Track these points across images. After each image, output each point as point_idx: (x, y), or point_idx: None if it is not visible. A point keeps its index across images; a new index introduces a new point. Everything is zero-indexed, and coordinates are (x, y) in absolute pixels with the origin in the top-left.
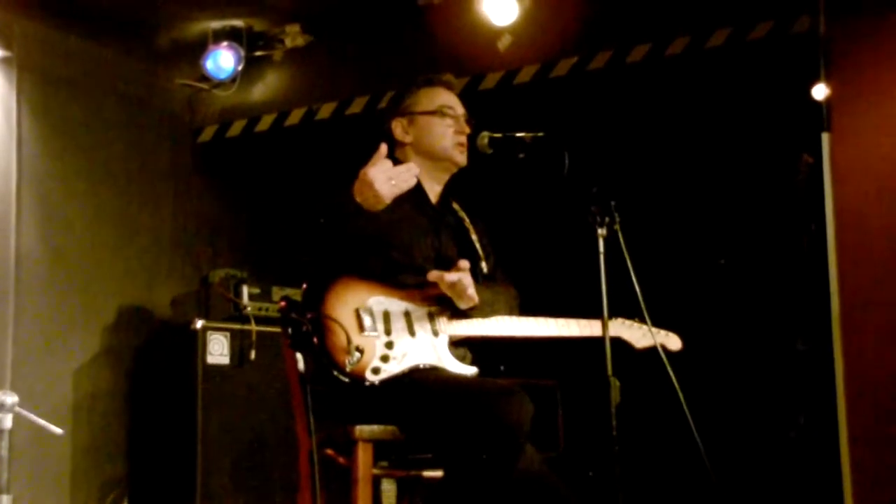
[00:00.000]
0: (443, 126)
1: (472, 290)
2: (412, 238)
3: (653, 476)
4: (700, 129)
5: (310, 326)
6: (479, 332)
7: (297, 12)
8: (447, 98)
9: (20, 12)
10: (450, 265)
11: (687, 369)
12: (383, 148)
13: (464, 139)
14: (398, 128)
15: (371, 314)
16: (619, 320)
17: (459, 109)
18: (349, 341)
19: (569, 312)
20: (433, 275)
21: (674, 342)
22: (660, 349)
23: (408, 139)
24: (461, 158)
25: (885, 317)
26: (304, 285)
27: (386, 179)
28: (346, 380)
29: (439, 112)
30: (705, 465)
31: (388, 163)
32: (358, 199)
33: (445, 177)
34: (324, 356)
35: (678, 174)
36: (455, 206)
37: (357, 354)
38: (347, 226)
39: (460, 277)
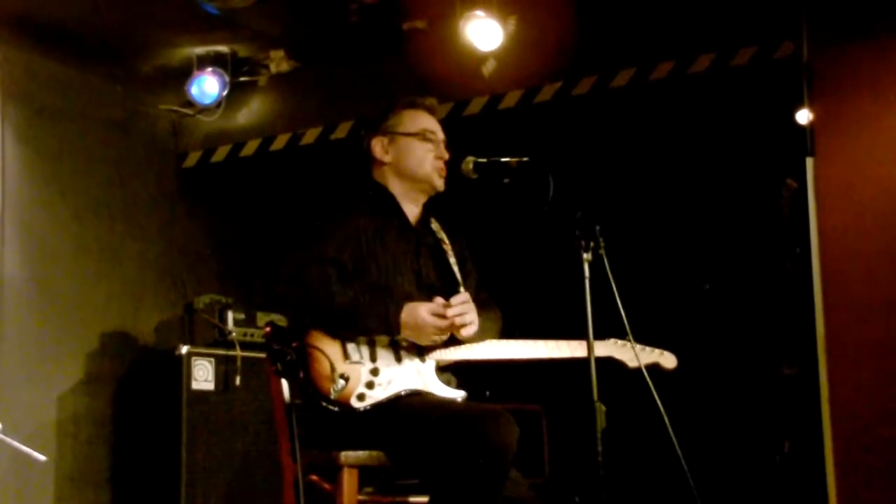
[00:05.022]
0: (424, 150)
1: (473, 328)
2: (394, 263)
3: (639, 502)
4: (684, 154)
5: (294, 356)
6: (468, 356)
7: (282, 38)
8: (429, 122)
9: (4, 39)
10: (431, 289)
11: (673, 394)
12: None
13: (442, 164)
14: (378, 146)
15: (356, 342)
16: (612, 340)
17: (440, 135)
18: (333, 369)
19: (557, 337)
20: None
21: (669, 360)
22: (644, 371)
23: (387, 158)
24: (440, 183)
25: (870, 340)
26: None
27: (429, 335)
28: (332, 407)
29: (421, 135)
30: (691, 490)
31: (444, 325)
32: (399, 320)
33: (423, 198)
34: (308, 385)
35: (663, 199)
36: (434, 225)
37: (342, 382)
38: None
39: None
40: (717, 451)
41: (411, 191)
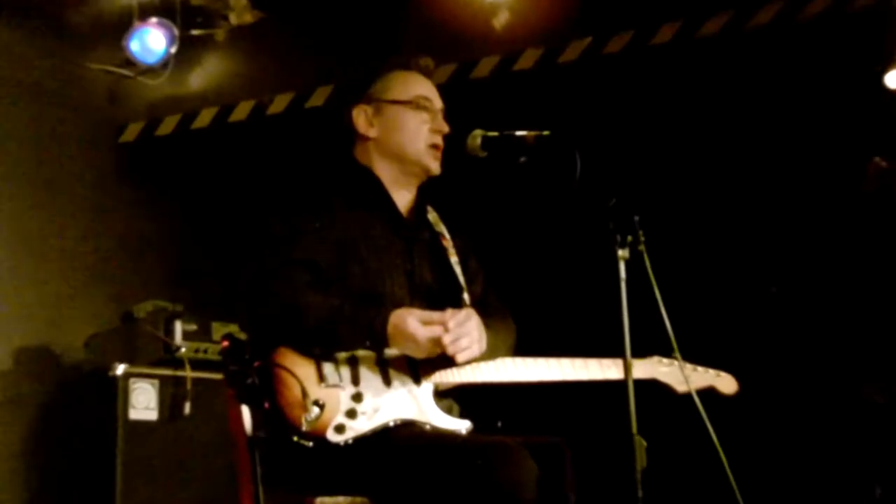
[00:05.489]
0: (417, 121)
1: (474, 352)
2: (380, 261)
3: None
4: (742, 126)
5: (257, 378)
6: (474, 378)
7: None
8: (424, 87)
9: None
10: (427, 293)
11: (730, 424)
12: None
13: (440, 140)
14: (361, 117)
15: (334, 360)
16: (656, 359)
17: (438, 103)
18: (305, 395)
19: (586, 354)
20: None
21: (727, 384)
22: (696, 397)
23: (372, 133)
24: (434, 166)
25: None
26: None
27: (425, 348)
28: (304, 442)
29: (414, 103)
30: None
31: (432, 333)
32: (387, 332)
33: (416, 182)
34: (275, 414)
35: (716, 182)
36: (431, 216)
37: (316, 410)
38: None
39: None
40: (788, 498)
41: (401, 174)
